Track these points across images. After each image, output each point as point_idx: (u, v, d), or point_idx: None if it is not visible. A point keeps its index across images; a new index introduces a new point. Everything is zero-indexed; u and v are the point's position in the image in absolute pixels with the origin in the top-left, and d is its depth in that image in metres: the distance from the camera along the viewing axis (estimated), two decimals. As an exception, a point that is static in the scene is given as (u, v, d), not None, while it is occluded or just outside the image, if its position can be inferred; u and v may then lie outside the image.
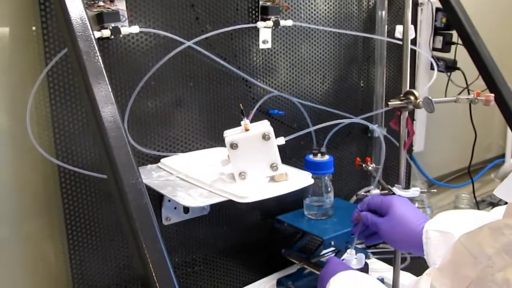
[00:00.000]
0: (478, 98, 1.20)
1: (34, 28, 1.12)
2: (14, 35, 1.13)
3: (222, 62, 1.35)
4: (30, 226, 1.22)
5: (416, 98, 1.18)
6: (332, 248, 1.44)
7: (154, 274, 0.81)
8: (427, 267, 1.58)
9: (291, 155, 1.51)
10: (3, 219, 1.18)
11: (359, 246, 1.47)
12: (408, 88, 1.22)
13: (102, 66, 0.91)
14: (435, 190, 1.47)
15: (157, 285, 0.80)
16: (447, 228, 1.02)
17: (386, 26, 1.69)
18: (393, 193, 1.24)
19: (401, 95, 1.21)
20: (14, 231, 1.20)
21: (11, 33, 1.12)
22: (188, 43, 1.27)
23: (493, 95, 1.21)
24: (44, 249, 1.24)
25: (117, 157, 0.86)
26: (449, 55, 1.88)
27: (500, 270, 0.64)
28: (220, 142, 1.24)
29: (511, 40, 2.35)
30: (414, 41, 1.78)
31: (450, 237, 1.01)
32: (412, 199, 1.75)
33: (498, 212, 1.00)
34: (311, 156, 1.45)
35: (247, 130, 1.13)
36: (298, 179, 1.20)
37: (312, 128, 1.48)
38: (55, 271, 1.25)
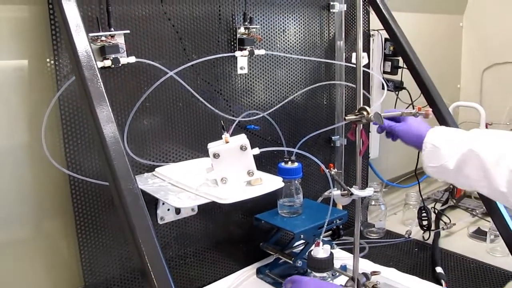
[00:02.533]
0: (419, 112, 1.23)
1: (48, 60, 1.13)
2: (32, 67, 1.13)
3: (193, 95, 1.36)
4: (47, 227, 1.21)
5: (368, 113, 1.20)
6: (302, 241, 1.46)
7: (149, 265, 0.81)
8: (382, 255, 1.62)
9: (267, 163, 1.51)
10: (25, 220, 1.18)
11: (325, 238, 1.48)
12: (362, 105, 1.24)
13: (104, 90, 0.92)
14: (386, 189, 1.48)
15: (152, 274, 0.81)
16: (438, 144, 1.16)
17: (344, 54, 1.71)
18: (351, 193, 1.25)
19: (356, 111, 1.22)
20: (34, 231, 1.20)
21: (29, 65, 1.13)
22: (171, 73, 1.28)
23: (431, 109, 1.24)
24: (59, 245, 1.24)
25: (116, 167, 0.86)
26: (397, 77, 1.90)
27: None
28: (205, 153, 1.25)
29: (445, 62, 2.40)
30: (368, 66, 1.81)
31: (438, 150, 1.16)
32: (369, 197, 1.79)
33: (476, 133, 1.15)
34: (283, 164, 1.46)
35: (227, 142, 1.14)
36: (270, 182, 1.21)
37: (285, 148, 1.50)
38: (69, 264, 1.25)
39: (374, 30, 1.84)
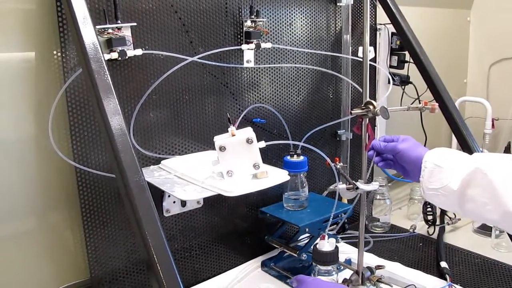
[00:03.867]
0: (425, 106, 1.22)
1: (55, 52, 1.13)
2: (39, 58, 1.13)
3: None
4: (53, 219, 1.22)
5: (374, 107, 1.19)
6: (307, 234, 1.46)
7: (155, 257, 0.81)
8: (387, 249, 1.61)
9: (272, 156, 1.51)
10: (31, 212, 1.18)
11: (330, 232, 1.48)
12: (368, 99, 1.24)
13: (111, 83, 0.92)
14: (392, 184, 1.48)
15: (158, 266, 0.81)
16: (441, 163, 1.06)
17: (350, 47, 1.70)
18: (357, 187, 1.25)
19: (362, 105, 1.22)
20: (41, 222, 1.20)
21: (36, 57, 1.13)
22: (192, 58, 1.28)
23: (437, 104, 1.23)
24: (65, 237, 1.24)
25: (123, 159, 0.87)
26: (403, 72, 1.89)
27: None
28: (211, 146, 1.25)
29: (452, 57, 2.39)
30: (374, 60, 1.80)
31: (440, 169, 1.06)
32: (374, 191, 1.79)
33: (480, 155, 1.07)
34: (288, 157, 1.46)
35: (233, 135, 1.14)
36: (276, 176, 1.20)
37: (291, 142, 1.50)
38: (75, 256, 1.25)
39: (380, 24, 1.83)
